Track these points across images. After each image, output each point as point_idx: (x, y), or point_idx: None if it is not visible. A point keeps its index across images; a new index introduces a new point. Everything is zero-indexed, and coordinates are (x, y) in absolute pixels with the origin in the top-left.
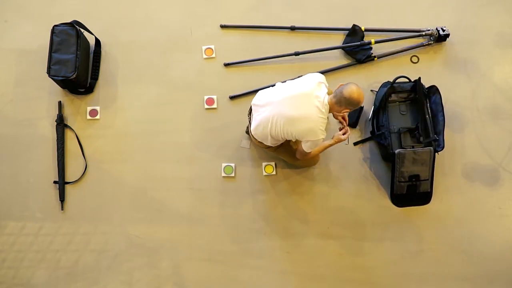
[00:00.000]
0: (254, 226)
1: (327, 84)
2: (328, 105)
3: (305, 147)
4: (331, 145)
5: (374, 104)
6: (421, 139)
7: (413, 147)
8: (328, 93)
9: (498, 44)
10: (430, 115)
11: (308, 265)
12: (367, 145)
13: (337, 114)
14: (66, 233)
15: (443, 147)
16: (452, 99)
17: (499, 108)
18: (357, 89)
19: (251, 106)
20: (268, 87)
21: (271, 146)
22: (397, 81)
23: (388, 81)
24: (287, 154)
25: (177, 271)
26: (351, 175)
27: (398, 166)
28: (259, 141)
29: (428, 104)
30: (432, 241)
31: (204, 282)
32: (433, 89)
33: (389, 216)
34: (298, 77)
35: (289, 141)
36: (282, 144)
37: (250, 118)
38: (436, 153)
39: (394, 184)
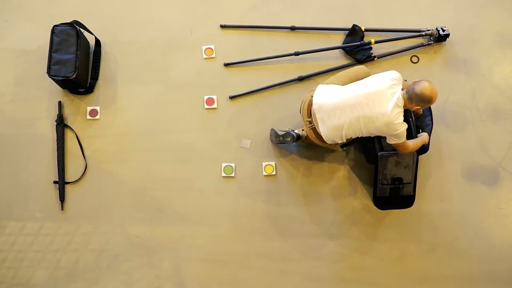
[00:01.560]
0: (254, 226)
1: (401, 81)
2: (403, 101)
3: (390, 140)
4: (425, 142)
5: None
6: None
7: (395, 150)
8: (403, 88)
9: (498, 44)
10: (413, 119)
11: (308, 265)
12: (351, 147)
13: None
14: (66, 233)
15: (427, 150)
16: (452, 99)
17: (499, 108)
18: (430, 86)
19: (310, 104)
20: (269, 87)
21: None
22: None
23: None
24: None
25: (177, 271)
26: (351, 175)
27: (381, 169)
28: (321, 141)
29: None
30: (432, 241)
31: (204, 282)
32: None
33: (389, 217)
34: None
35: None
36: None
37: (310, 119)
38: (422, 154)
39: (377, 186)
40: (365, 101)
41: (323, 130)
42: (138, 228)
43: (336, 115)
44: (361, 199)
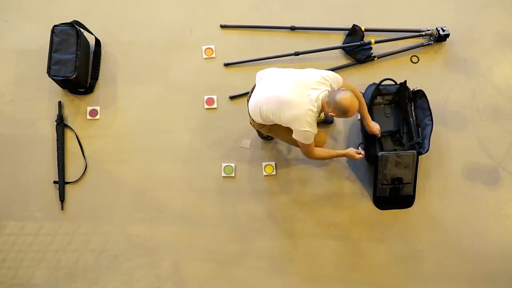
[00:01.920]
0: (254, 226)
1: (334, 86)
2: (321, 102)
3: (295, 136)
4: (340, 155)
5: None
6: (403, 141)
7: (395, 150)
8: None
9: (498, 44)
10: (414, 119)
11: (308, 265)
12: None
13: (372, 127)
14: (66, 233)
15: (427, 150)
16: (452, 99)
17: (499, 108)
18: (351, 98)
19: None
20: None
21: (265, 126)
22: (383, 83)
23: (374, 83)
24: (281, 133)
25: (177, 271)
26: (351, 175)
27: (381, 169)
28: (252, 118)
29: (412, 108)
30: (432, 241)
31: (204, 282)
32: (420, 93)
33: (389, 217)
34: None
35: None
36: (272, 125)
37: (250, 93)
38: (422, 154)
39: (377, 186)
40: (288, 85)
41: (251, 99)
42: (138, 228)
43: (262, 88)
44: (361, 199)
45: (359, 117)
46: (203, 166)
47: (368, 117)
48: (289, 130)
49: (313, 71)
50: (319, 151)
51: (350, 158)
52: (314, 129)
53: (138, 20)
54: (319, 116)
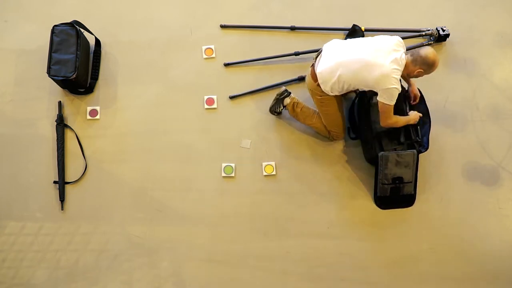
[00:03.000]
0: (254, 226)
1: (405, 48)
2: (405, 61)
3: (381, 97)
4: (409, 122)
5: (356, 104)
6: (402, 140)
7: (395, 149)
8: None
9: (498, 44)
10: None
11: (308, 265)
12: (351, 147)
13: (415, 91)
14: (66, 233)
15: (427, 148)
16: (452, 99)
17: (499, 108)
18: (434, 52)
19: (320, 50)
20: (269, 87)
21: (322, 96)
22: None
23: None
24: (332, 108)
25: (177, 271)
26: (351, 175)
27: (382, 168)
28: (315, 86)
29: (407, 108)
30: (432, 241)
31: (204, 282)
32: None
33: (389, 216)
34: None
35: (339, 102)
36: (330, 103)
37: (316, 59)
38: (421, 153)
39: (377, 186)
40: (370, 48)
41: (321, 65)
42: (138, 228)
43: (338, 55)
44: (361, 199)
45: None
46: (203, 166)
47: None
48: (339, 106)
49: (387, 37)
50: (396, 117)
51: (415, 120)
52: (399, 87)
53: (138, 20)
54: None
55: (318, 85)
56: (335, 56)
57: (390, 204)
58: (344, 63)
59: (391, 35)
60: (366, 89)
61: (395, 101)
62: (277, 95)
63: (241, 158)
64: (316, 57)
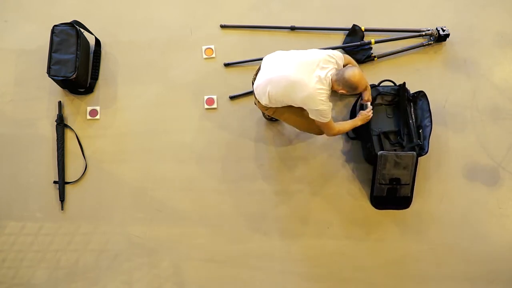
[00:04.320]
0: (254, 226)
1: (340, 62)
2: (331, 80)
3: (312, 116)
4: (356, 124)
5: (358, 104)
6: (404, 143)
7: (395, 150)
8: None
9: (498, 44)
10: (414, 120)
11: (308, 265)
12: (351, 146)
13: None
14: (66, 233)
15: (427, 152)
16: (452, 99)
17: (499, 108)
18: (359, 74)
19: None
20: None
21: (270, 108)
22: (382, 84)
23: (373, 84)
24: (286, 115)
25: (177, 271)
26: (350, 175)
27: (380, 168)
28: (258, 101)
29: (412, 109)
30: (432, 241)
31: (204, 282)
32: (420, 94)
33: (389, 217)
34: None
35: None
36: (280, 111)
37: (255, 75)
38: (422, 156)
39: (374, 185)
40: (296, 65)
41: (256, 81)
42: (138, 228)
43: (270, 70)
44: (361, 199)
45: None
46: (203, 166)
47: (369, 91)
48: (294, 112)
49: (318, 51)
50: (339, 126)
51: (365, 122)
52: (328, 106)
53: (138, 20)
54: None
55: (259, 102)
56: (266, 72)
57: (385, 205)
58: (272, 80)
59: (321, 50)
60: (297, 106)
61: (330, 117)
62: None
63: (241, 157)
64: (257, 72)
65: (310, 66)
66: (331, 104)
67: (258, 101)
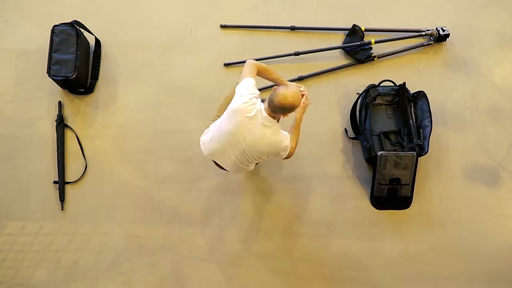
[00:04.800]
0: (254, 226)
1: (253, 90)
2: (268, 116)
3: (283, 157)
4: (300, 120)
5: (359, 105)
6: (404, 143)
7: (395, 150)
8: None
9: (498, 44)
10: (414, 120)
11: (308, 265)
12: (351, 146)
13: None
14: (66, 233)
15: (427, 152)
16: (452, 99)
17: (499, 108)
18: (290, 93)
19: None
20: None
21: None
22: (382, 84)
23: (373, 84)
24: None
25: (177, 271)
26: (351, 175)
27: (380, 168)
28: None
29: (412, 109)
30: (432, 241)
31: (204, 282)
32: (420, 94)
33: (389, 217)
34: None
35: None
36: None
37: (218, 166)
38: (422, 156)
39: (374, 186)
40: (237, 136)
41: (230, 168)
42: (138, 228)
43: (225, 156)
44: (361, 199)
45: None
46: (203, 166)
47: (282, 82)
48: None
49: (234, 105)
50: (294, 145)
51: (306, 107)
52: (287, 137)
53: (138, 20)
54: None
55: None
56: (226, 158)
57: (385, 205)
58: (238, 160)
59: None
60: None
61: (291, 146)
62: None
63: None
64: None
65: (245, 123)
66: (287, 134)
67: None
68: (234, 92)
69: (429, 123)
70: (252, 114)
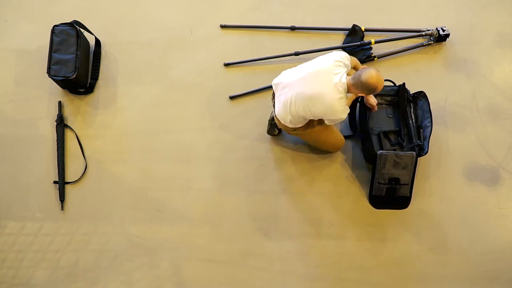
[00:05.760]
0: (254, 226)
1: (348, 63)
2: (346, 85)
3: (328, 121)
4: (368, 100)
5: (359, 104)
6: (404, 144)
7: (395, 149)
8: (349, 74)
9: (498, 44)
10: (413, 120)
11: (308, 265)
12: (351, 146)
13: (369, 100)
14: (66, 233)
15: (426, 152)
16: (452, 99)
17: (499, 108)
18: (376, 75)
19: (273, 91)
20: (269, 87)
21: (296, 128)
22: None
23: None
24: (311, 138)
25: (177, 271)
26: (351, 175)
27: (379, 168)
28: (284, 125)
29: (412, 110)
30: (432, 241)
31: (204, 282)
32: (421, 95)
33: (389, 216)
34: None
35: (312, 124)
36: (306, 127)
37: (273, 101)
38: (421, 156)
39: (373, 185)
40: (308, 79)
41: (276, 108)
42: (138, 228)
43: (285, 92)
44: (361, 199)
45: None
46: (203, 166)
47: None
48: (319, 133)
49: (324, 58)
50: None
51: (368, 103)
52: (346, 112)
53: (138, 20)
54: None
55: (285, 126)
56: (283, 95)
57: (384, 204)
58: (291, 100)
59: (336, 51)
60: (318, 118)
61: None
62: (269, 120)
63: (241, 157)
64: (272, 97)
65: (323, 76)
66: (348, 110)
67: (283, 124)
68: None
69: (430, 124)
70: (335, 73)
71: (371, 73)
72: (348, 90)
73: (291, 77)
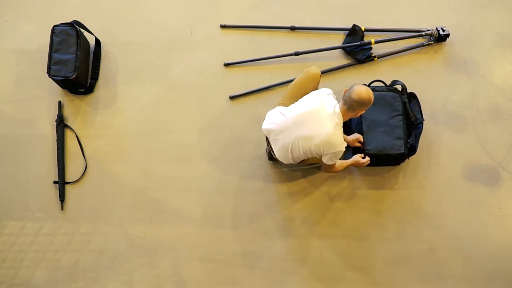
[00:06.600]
0: (254, 226)
1: (334, 96)
2: (341, 113)
3: (325, 159)
4: (349, 164)
5: None
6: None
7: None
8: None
9: (498, 44)
10: (404, 121)
11: (308, 265)
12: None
13: (353, 141)
14: (66, 233)
15: (415, 152)
16: (452, 99)
17: (499, 108)
18: (364, 88)
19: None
20: (269, 87)
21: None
22: (372, 84)
23: (363, 84)
24: (317, 161)
25: (177, 271)
26: (351, 175)
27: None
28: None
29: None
30: (432, 241)
31: (204, 282)
32: (412, 95)
33: (389, 216)
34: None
35: None
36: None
37: (269, 144)
38: (410, 156)
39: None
40: (304, 121)
41: (275, 151)
42: (138, 228)
43: (280, 137)
44: (361, 199)
45: None
46: (203, 166)
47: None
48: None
49: (313, 97)
50: (337, 165)
51: (357, 166)
52: (344, 145)
53: (138, 20)
54: None
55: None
56: (280, 139)
57: (377, 162)
58: (292, 144)
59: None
60: (318, 155)
61: (338, 159)
62: (266, 150)
63: (242, 157)
64: (267, 142)
65: (318, 114)
66: (345, 144)
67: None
68: (301, 79)
69: (420, 125)
70: (328, 105)
71: (359, 89)
72: (344, 117)
73: (284, 123)
